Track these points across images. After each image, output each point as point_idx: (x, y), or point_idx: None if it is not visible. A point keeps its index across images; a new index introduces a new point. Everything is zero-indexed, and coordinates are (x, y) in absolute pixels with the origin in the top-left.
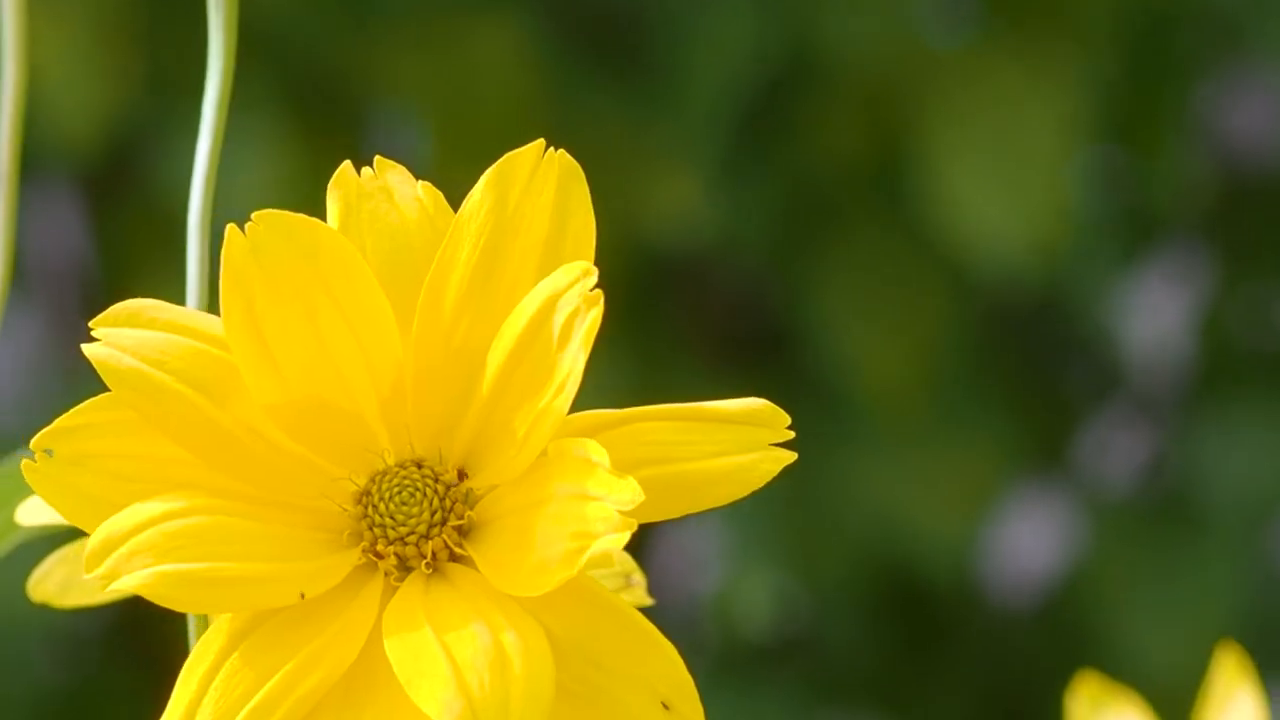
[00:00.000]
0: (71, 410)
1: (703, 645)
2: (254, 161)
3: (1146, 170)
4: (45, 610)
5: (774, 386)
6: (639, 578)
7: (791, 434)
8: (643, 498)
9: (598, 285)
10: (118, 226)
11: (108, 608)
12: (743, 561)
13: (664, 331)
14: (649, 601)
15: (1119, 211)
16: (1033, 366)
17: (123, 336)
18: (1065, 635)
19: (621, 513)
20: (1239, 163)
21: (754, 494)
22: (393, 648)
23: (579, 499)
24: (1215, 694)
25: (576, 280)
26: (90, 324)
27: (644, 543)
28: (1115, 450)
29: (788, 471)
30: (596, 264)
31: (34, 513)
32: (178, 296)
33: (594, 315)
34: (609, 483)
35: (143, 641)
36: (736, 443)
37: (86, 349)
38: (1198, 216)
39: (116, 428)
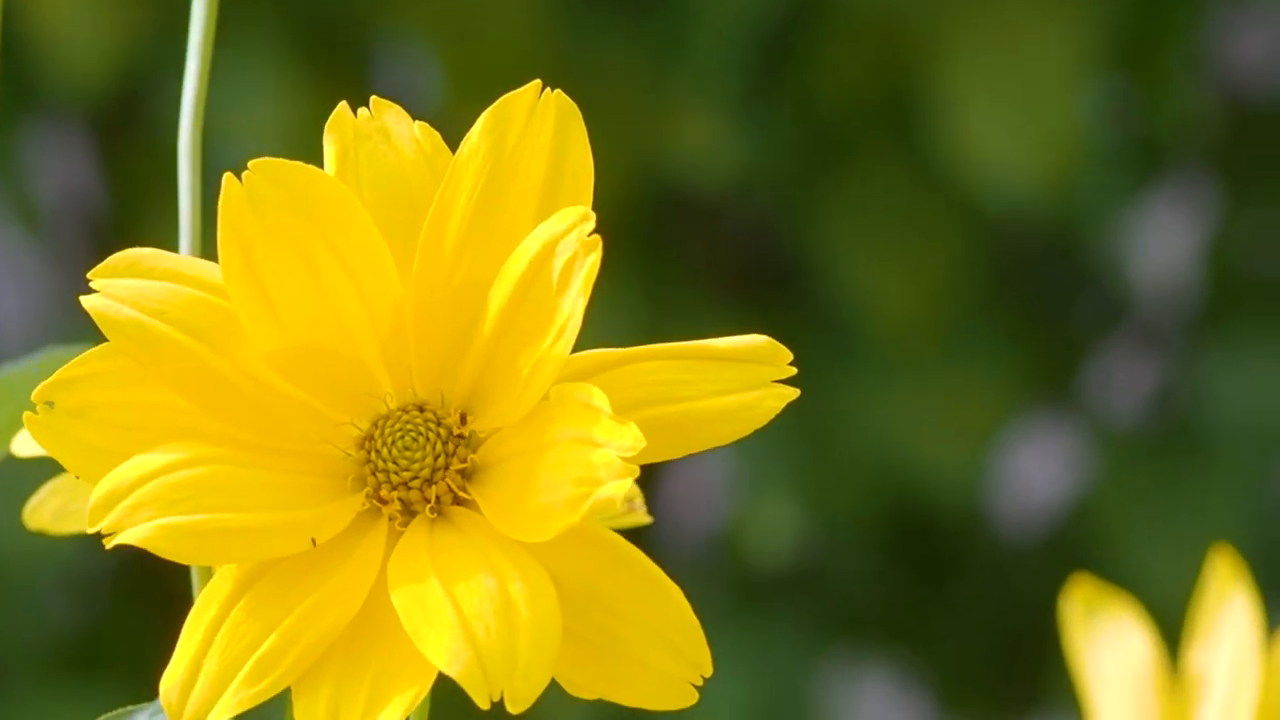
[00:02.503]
0: (72, 361)
1: (714, 577)
2: (260, 101)
3: (1153, 101)
4: (56, 551)
5: (786, 321)
6: (639, 501)
7: (794, 370)
8: (644, 444)
9: (596, 229)
10: (127, 166)
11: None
12: (753, 494)
13: (676, 268)
14: (648, 520)
15: (1126, 143)
16: (1040, 298)
17: (120, 287)
18: (1073, 566)
19: (624, 459)
20: (1244, 93)
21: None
22: (399, 597)
23: (581, 444)
24: (1209, 596)
25: (574, 225)
26: (88, 275)
27: (655, 476)
28: (1122, 381)
29: (799, 406)
30: (608, 201)
31: (30, 443)
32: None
33: (592, 260)
34: (611, 428)
35: (154, 581)
36: (739, 380)
37: (85, 301)
38: (1203, 147)
39: (117, 378)
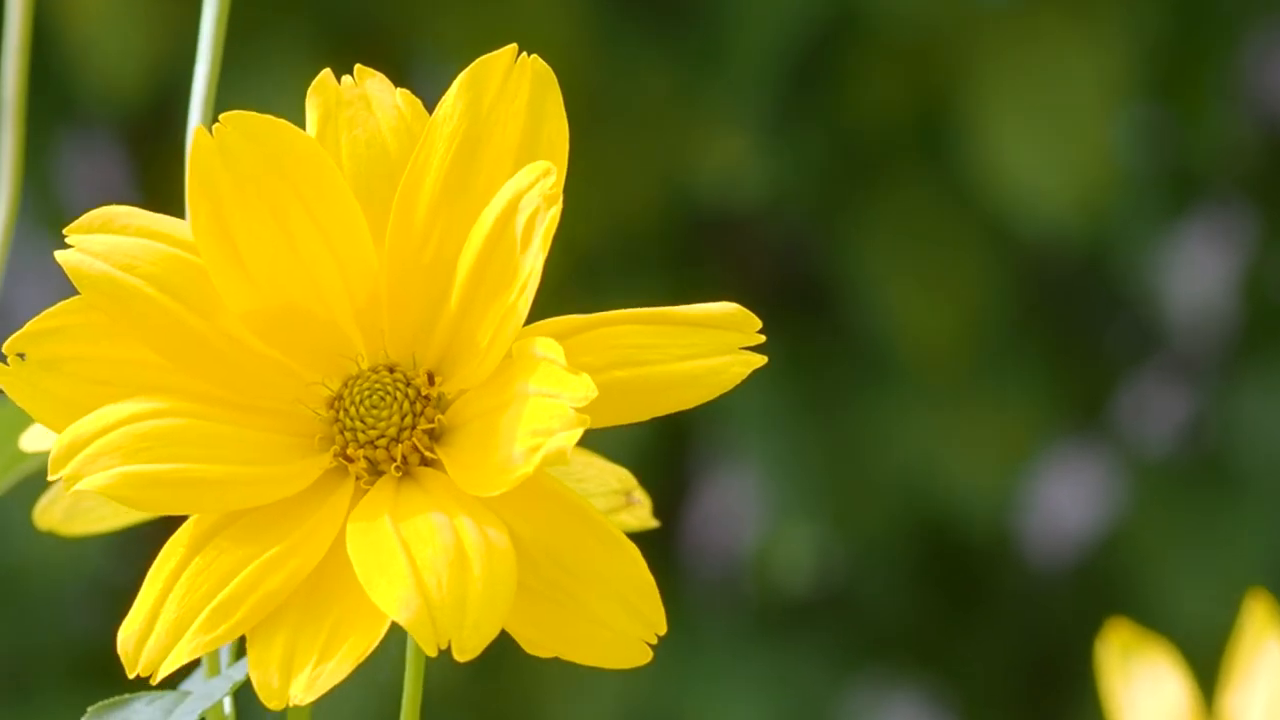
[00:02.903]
0: (43, 313)
1: (741, 601)
2: (293, 109)
3: (1189, 129)
4: (81, 560)
5: (816, 342)
6: (641, 496)
7: (763, 338)
8: (595, 393)
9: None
10: (158, 173)
11: (144, 556)
12: (781, 517)
13: (707, 286)
14: (654, 523)
15: (1161, 171)
16: (1073, 324)
17: (94, 242)
18: (1102, 594)
19: (575, 410)
20: None
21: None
22: (355, 547)
23: (535, 397)
24: (1245, 641)
25: (537, 179)
26: (64, 230)
27: (683, 497)
28: (1154, 409)
29: (828, 427)
30: (640, 216)
31: (37, 439)
32: None
33: (553, 214)
34: (562, 379)
35: None
36: (706, 346)
37: (58, 255)
38: (1239, 176)
39: (89, 331)
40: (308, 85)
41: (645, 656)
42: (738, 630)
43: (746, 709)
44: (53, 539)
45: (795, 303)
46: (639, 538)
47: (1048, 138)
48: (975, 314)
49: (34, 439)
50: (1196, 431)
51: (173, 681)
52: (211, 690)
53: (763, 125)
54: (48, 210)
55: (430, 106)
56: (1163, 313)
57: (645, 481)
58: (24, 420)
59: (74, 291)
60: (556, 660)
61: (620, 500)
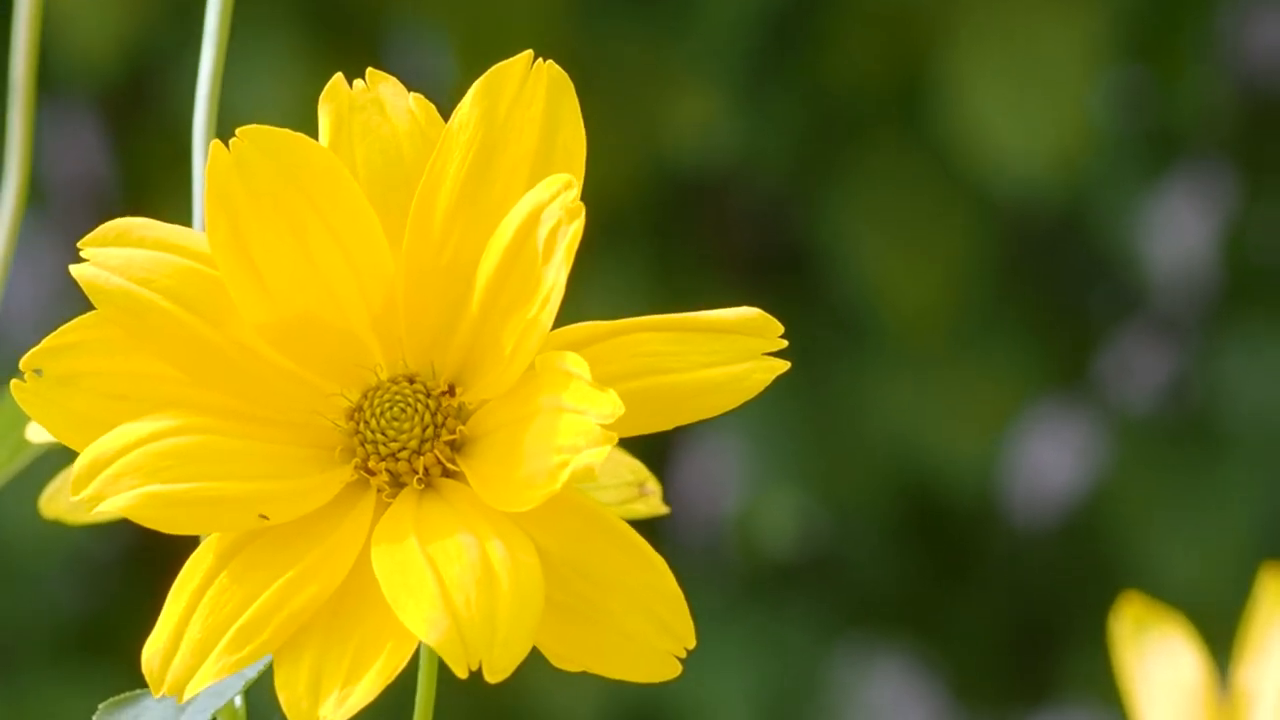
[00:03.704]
0: (60, 329)
1: (725, 567)
2: (273, 85)
3: (1168, 90)
4: (64, 536)
5: (796, 307)
6: (653, 486)
7: (784, 343)
8: (622, 410)
9: (583, 197)
10: (136, 147)
11: (126, 532)
12: (765, 483)
13: (685, 251)
14: (664, 510)
15: (1141, 131)
16: (1055, 286)
17: (110, 256)
18: (1087, 555)
19: (603, 426)
20: (1260, 82)
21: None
22: (380, 565)
23: (561, 413)
24: (1259, 615)
25: (558, 193)
26: (78, 244)
27: (665, 464)
28: (1137, 370)
29: (810, 392)
30: (616, 183)
31: (42, 430)
32: (193, 216)
33: (575, 227)
34: (589, 396)
35: (162, 566)
36: (728, 352)
37: (74, 269)
38: (1219, 136)
39: (105, 346)
40: (283, 63)
41: (674, 670)
42: (723, 596)
43: (733, 674)
44: (32, 516)
45: (775, 268)
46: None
47: (1027, 99)
48: (956, 277)
49: (39, 430)
50: (1179, 391)
51: None
52: (223, 688)
53: (737, 87)
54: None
55: (409, 85)
56: (1144, 273)
57: (628, 447)
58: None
59: (62, 275)
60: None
61: (633, 492)
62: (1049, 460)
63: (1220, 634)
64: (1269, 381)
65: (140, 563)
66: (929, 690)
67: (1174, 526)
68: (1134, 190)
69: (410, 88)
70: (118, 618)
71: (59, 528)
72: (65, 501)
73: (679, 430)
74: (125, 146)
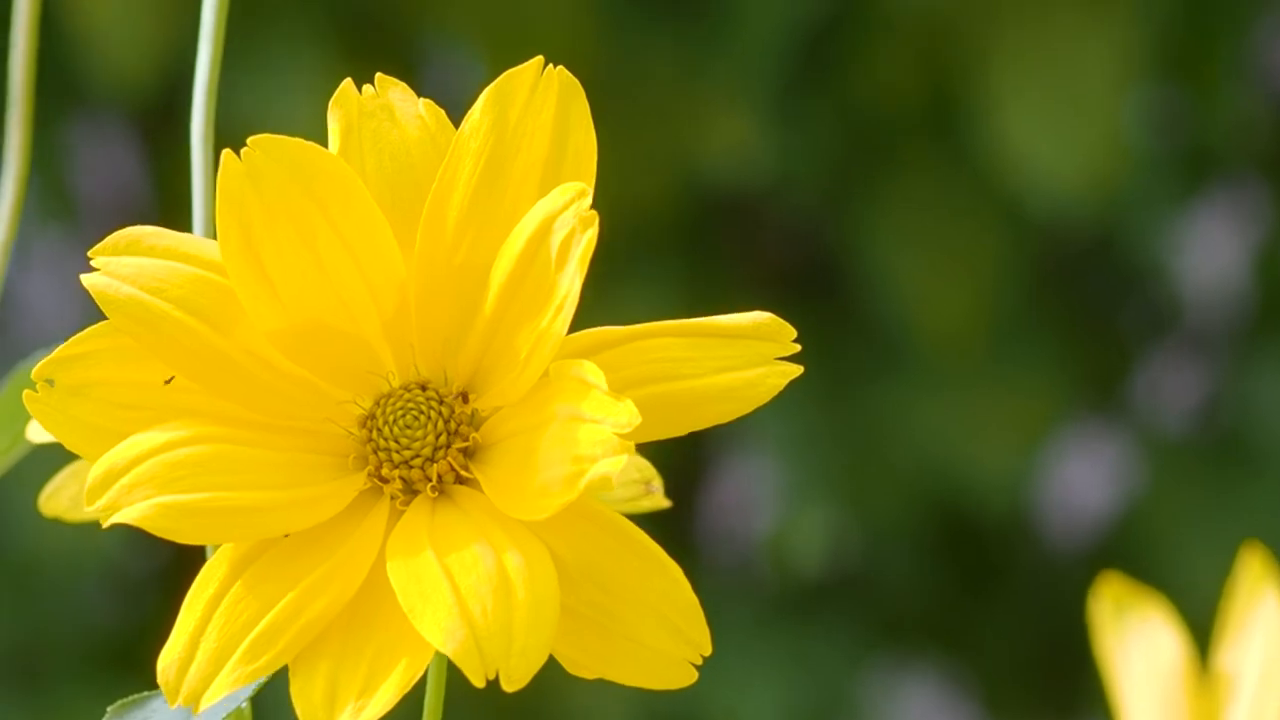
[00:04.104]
0: (72, 339)
1: (758, 584)
2: (304, 98)
3: (1202, 108)
4: (98, 550)
5: (828, 324)
6: (658, 484)
7: (797, 347)
8: (639, 420)
9: (593, 205)
10: (169, 162)
11: (162, 547)
12: (797, 501)
13: (717, 269)
14: (666, 503)
15: (1175, 150)
16: (1088, 304)
17: (121, 265)
18: (1118, 574)
19: (619, 435)
20: None
21: (808, 432)
22: (396, 574)
23: (577, 421)
24: (1240, 595)
25: (571, 201)
26: (89, 253)
27: (699, 481)
28: (1170, 388)
29: (842, 409)
30: (649, 200)
31: (41, 430)
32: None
33: (589, 236)
34: (606, 405)
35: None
36: (742, 358)
37: (85, 279)
38: (1253, 154)
39: (117, 356)
40: (313, 76)
41: (690, 677)
42: (754, 614)
43: (763, 692)
44: (66, 529)
45: (808, 286)
46: (653, 520)
47: (1060, 117)
48: (989, 294)
49: (38, 430)
50: (1212, 410)
51: None
52: (236, 694)
53: (771, 105)
54: (58, 200)
55: (441, 99)
56: (1177, 291)
57: (660, 467)
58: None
59: (78, 285)
60: None
61: (640, 490)
62: (1081, 478)
63: None
64: None
65: (176, 579)
66: (960, 707)
67: (1206, 545)
68: (1167, 208)
69: (442, 100)
70: (151, 632)
71: (93, 542)
72: (65, 499)
73: (712, 449)
74: (158, 160)
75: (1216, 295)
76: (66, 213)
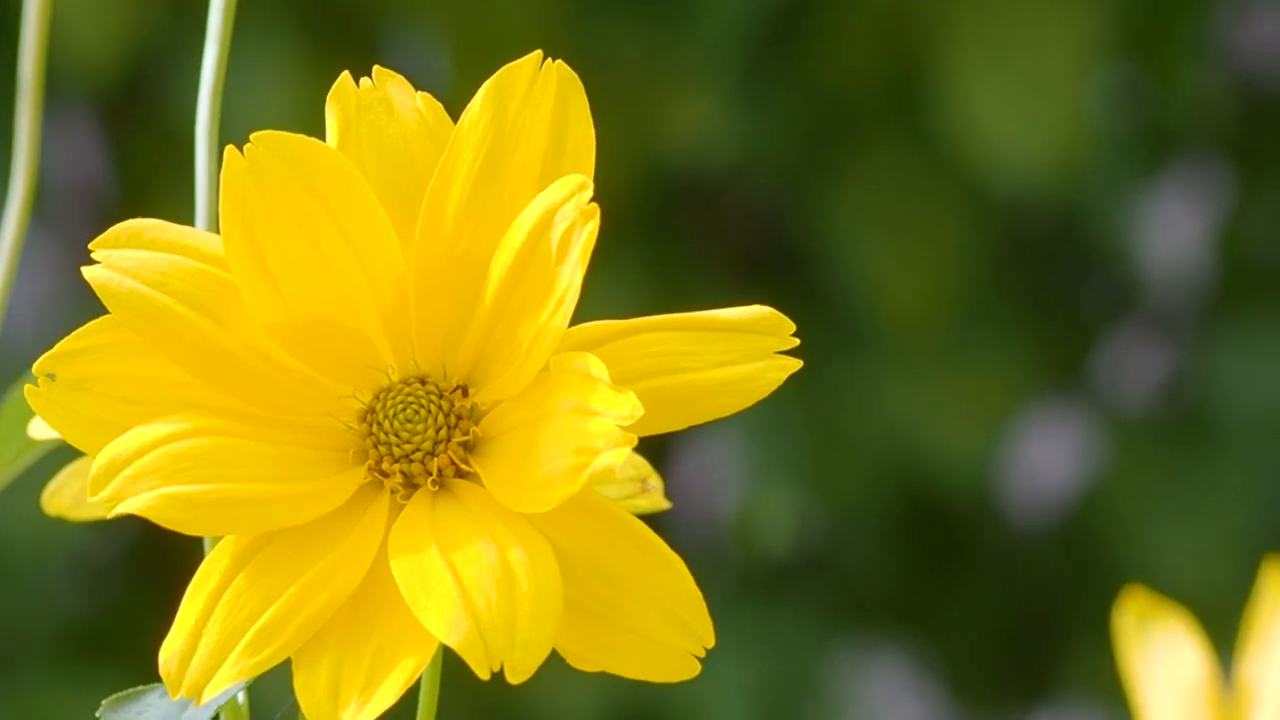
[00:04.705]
0: (73, 334)
1: (723, 564)
2: (267, 86)
3: (1163, 87)
4: (65, 537)
5: (791, 305)
6: (655, 482)
7: (796, 341)
8: (642, 412)
9: (601, 211)
10: (135, 151)
11: (128, 533)
12: (762, 481)
13: (681, 250)
14: (666, 505)
15: (1136, 129)
16: (1050, 284)
17: (122, 258)
18: (1084, 554)
19: (622, 427)
20: (1255, 79)
21: (773, 413)
22: (399, 568)
23: (580, 414)
24: (1262, 609)
25: (572, 194)
26: (90, 245)
27: (664, 462)
28: (1133, 367)
29: (806, 391)
30: (613, 184)
31: (45, 427)
32: (193, 220)
33: (590, 229)
34: (608, 398)
35: (165, 565)
36: (742, 351)
37: (86, 272)
38: (1214, 133)
39: (118, 350)
40: (280, 67)
41: (693, 670)
42: (721, 594)
43: (730, 672)
44: (33, 517)
45: (771, 267)
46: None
47: (1022, 96)
48: (952, 274)
49: (41, 427)
50: (1175, 388)
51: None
52: (231, 687)
53: (734, 87)
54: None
55: (406, 80)
56: (1139, 270)
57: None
58: (30, 410)
59: (61, 278)
60: None
61: (636, 487)
62: (1045, 457)
63: (1218, 629)
64: (1264, 377)
65: (142, 564)
66: (926, 688)
67: (1170, 523)
68: (1129, 187)
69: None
70: (120, 619)
71: (60, 529)
72: (68, 498)
73: (676, 431)
74: (123, 150)
75: (1178, 274)
76: (35, 200)
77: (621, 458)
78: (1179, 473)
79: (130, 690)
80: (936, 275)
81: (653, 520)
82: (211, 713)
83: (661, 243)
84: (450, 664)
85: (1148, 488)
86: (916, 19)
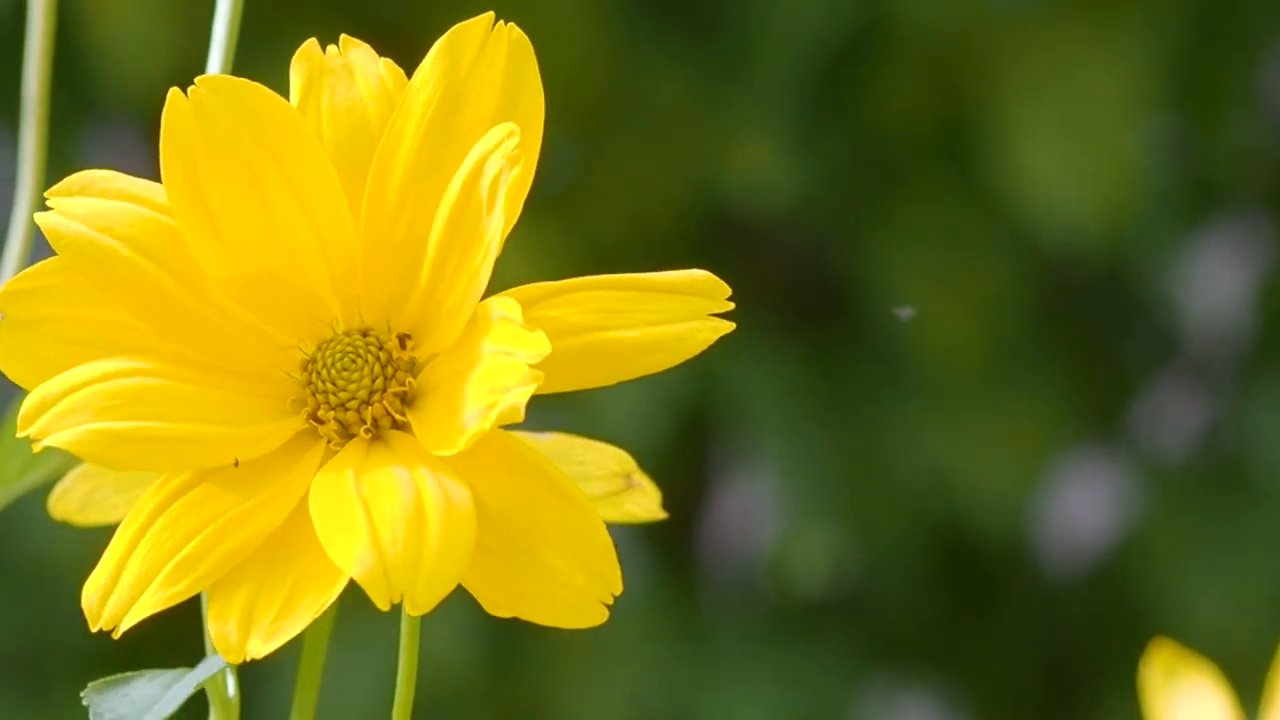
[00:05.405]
0: (23, 273)
1: (757, 603)
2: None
3: (1209, 139)
4: (98, 550)
5: (833, 346)
6: (641, 479)
7: (731, 305)
8: (549, 349)
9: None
10: None
11: None
12: (798, 519)
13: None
14: (662, 514)
15: (1181, 180)
16: (1092, 332)
17: (73, 205)
18: (1118, 602)
19: (531, 365)
20: None
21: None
22: (316, 504)
23: (494, 356)
24: None
25: (500, 141)
26: (45, 193)
27: (702, 499)
28: (1172, 417)
29: (846, 430)
30: (662, 222)
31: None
32: None
33: (516, 174)
34: (519, 337)
35: None
36: (675, 311)
37: (38, 217)
38: (1258, 186)
39: (67, 292)
40: None
41: (601, 616)
42: (753, 631)
43: (761, 709)
44: (72, 532)
45: (816, 307)
46: (655, 535)
47: (1069, 146)
48: (994, 320)
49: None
50: (1213, 439)
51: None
52: (210, 664)
53: (788, 132)
54: None
55: None
56: (1181, 321)
57: (664, 482)
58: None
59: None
60: (573, 658)
61: (620, 483)
62: (1081, 504)
63: (1251, 681)
64: None
65: None
66: None
67: (1205, 574)
68: (1172, 238)
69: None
70: (150, 632)
71: (95, 547)
72: (74, 501)
73: (716, 465)
74: None
75: (1219, 325)
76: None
77: (527, 395)
78: (1215, 524)
79: (118, 675)
80: (979, 320)
81: (688, 557)
82: (190, 690)
83: None
84: (464, 669)
85: (1183, 538)
86: (966, 68)
